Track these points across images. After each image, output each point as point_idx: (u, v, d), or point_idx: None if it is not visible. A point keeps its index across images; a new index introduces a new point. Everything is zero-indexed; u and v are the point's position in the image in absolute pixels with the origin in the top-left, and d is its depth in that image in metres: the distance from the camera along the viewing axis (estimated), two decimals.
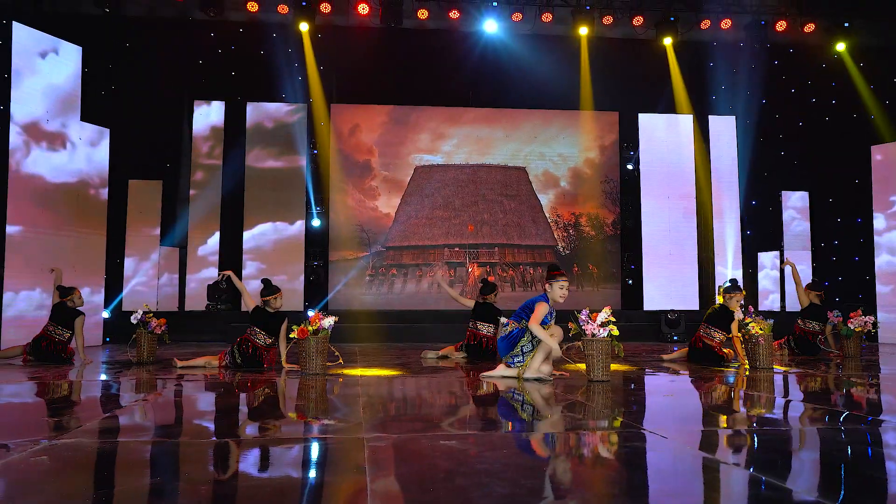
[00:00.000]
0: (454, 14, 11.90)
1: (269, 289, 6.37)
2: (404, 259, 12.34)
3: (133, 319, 6.78)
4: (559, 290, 5.29)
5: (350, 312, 11.79)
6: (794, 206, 12.60)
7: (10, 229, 8.53)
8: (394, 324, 11.14)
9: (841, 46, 12.69)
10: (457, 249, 12.33)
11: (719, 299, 6.85)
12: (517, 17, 12.00)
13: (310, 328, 5.67)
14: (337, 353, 6.25)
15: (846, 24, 12.62)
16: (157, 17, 11.70)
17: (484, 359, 7.20)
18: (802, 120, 13.65)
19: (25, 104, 8.81)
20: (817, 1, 12.40)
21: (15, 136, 8.68)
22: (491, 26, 11.93)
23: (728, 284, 6.82)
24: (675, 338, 10.88)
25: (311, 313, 5.85)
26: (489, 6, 11.78)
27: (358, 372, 5.90)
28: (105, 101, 10.89)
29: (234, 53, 12.22)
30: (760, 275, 12.65)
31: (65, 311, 6.99)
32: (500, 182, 12.53)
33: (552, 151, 12.77)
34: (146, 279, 11.14)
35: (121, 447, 2.89)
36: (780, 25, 12.54)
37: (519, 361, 5.29)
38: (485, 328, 7.30)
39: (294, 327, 5.77)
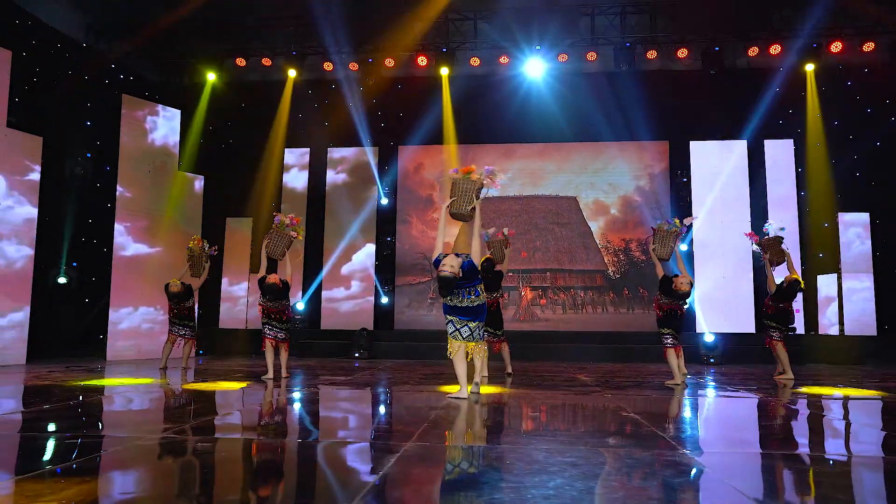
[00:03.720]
0: (504, 59, 12.50)
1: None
2: None
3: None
4: None
5: (413, 332, 12.59)
6: (857, 228, 11.79)
7: (121, 255, 10.16)
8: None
9: None
10: (510, 274, 12.73)
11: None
12: (563, 57, 12.37)
13: None
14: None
15: None
16: (253, 81, 13.32)
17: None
18: (881, 140, 12.74)
19: (131, 159, 10.51)
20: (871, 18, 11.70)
21: (121, 189, 10.37)
22: (534, 69, 12.38)
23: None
24: (713, 360, 10.57)
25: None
26: (534, 50, 12.24)
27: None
28: (205, 152, 12.55)
29: (324, 107, 13.50)
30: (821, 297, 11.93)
31: (180, 295, 8.35)
32: (552, 211, 12.84)
33: (602, 181, 12.91)
34: (239, 300, 12.57)
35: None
36: (835, 47, 11.93)
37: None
38: None
39: None
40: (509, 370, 8.14)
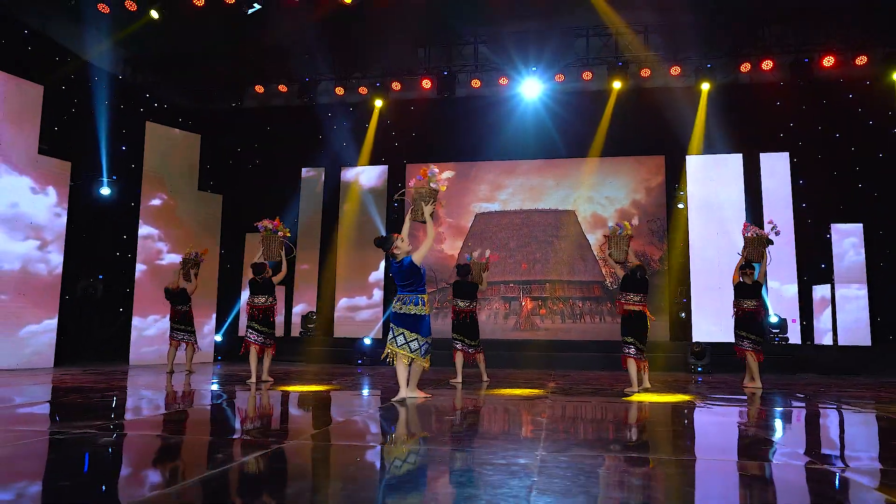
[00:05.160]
0: (503, 80, 12.84)
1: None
2: None
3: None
4: None
5: None
6: (852, 239, 11.64)
7: (146, 268, 10.91)
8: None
9: None
10: (512, 285, 13.05)
11: None
12: (560, 77, 12.63)
13: None
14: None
15: None
16: (272, 106, 14.03)
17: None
18: (883, 152, 12.54)
19: (154, 182, 11.28)
20: (863, 32, 11.58)
21: (144, 208, 11.15)
22: (531, 89, 12.67)
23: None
24: (700, 369, 10.59)
25: None
26: (531, 71, 12.54)
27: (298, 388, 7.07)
28: (224, 172, 13.30)
29: (339, 128, 14.10)
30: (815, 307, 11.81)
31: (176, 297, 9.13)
32: (551, 224, 13.08)
33: (600, 195, 13.09)
34: None
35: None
36: (828, 61, 11.83)
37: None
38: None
39: None
40: (485, 378, 8.44)
